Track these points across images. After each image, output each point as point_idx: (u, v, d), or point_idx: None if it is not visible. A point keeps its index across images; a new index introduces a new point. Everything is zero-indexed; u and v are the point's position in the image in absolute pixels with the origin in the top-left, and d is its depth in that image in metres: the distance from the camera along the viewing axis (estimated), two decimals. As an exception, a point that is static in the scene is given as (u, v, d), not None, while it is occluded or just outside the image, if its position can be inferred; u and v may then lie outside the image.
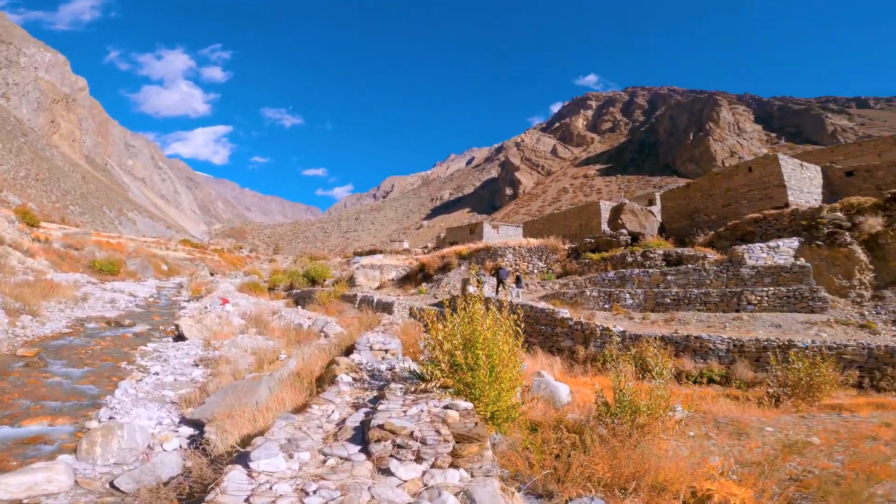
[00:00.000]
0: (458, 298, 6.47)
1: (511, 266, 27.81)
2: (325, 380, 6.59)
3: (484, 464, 3.63)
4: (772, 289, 18.02)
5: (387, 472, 3.38)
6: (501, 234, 42.65)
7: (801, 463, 4.97)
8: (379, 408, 4.62)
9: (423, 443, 3.73)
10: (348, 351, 8.61)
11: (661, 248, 24.24)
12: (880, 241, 19.36)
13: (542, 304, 18.00)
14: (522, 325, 6.14)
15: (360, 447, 3.90)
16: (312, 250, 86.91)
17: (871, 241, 19.62)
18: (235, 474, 3.25)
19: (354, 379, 6.29)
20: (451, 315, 5.86)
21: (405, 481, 3.26)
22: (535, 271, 27.83)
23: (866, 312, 17.74)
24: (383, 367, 7.17)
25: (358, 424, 4.52)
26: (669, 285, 20.38)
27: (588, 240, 27.50)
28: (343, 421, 4.71)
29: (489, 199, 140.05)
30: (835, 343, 12.78)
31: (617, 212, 28.56)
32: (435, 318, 5.91)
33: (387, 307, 21.74)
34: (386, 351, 8.37)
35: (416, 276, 31.73)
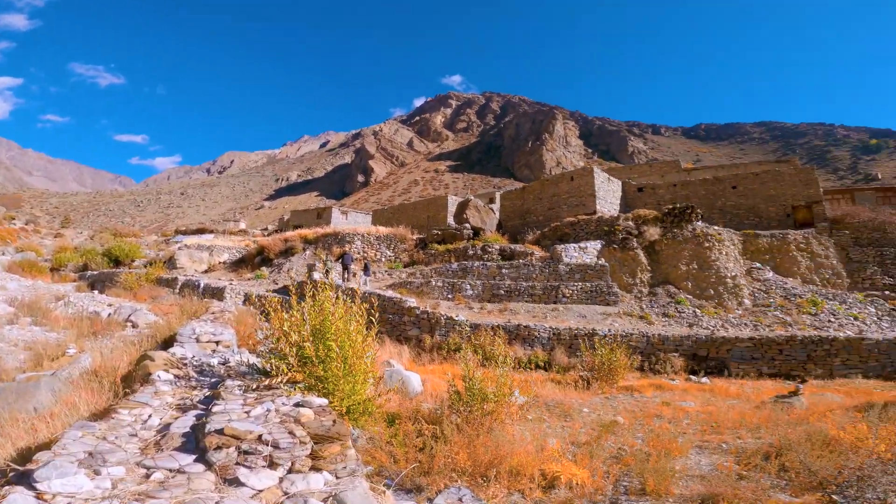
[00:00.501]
0: (305, 285, 5.93)
1: (359, 253, 27.37)
2: (135, 379, 5.42)
3: (348, 463, 3.38)
4: (580, 284, 21.20)
5: (235, 482, 2.89)
6: (350, 220, 41.68)
7: (615, 441, 5.92)
8: (214, 409, 3.95)
9: (276, 447, 3.29)
10: (167, 344, 7.29)
11: (498, 243, 26.55)
12: (657, 247, 24.34)
13: (390, 293, 18.06)
14: (376, 315, 5.93)
15: (194, 456, 3.26)
16: (118, 226, 72.47)
17: (650, 247, 24.52)
18: (17, 498, 2.39)
19: (177, 376, 5.29)
20: (298, 303, 5.38)
21: (260, 491, 2.83)
22: (384, 259, 27.88)
23: (644, 306, 22.07)
24: (214, 361, 6.23)
25: (188, 430, 3.80)
26: (504, 278, 22.42)
27: (435, 231, 28.61)
28: (166, 427, 3.92)
29: (340, 184, 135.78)
30: (624, 332, 15.57)
31: (463, 207, 30.30)
32: (279, 306, 5.37)
33: (217, 293, 19.31)
34: (217, 343, 7.32)
35: (254, 260, 28.98)
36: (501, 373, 6.20)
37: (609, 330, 15.49)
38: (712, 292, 22.64)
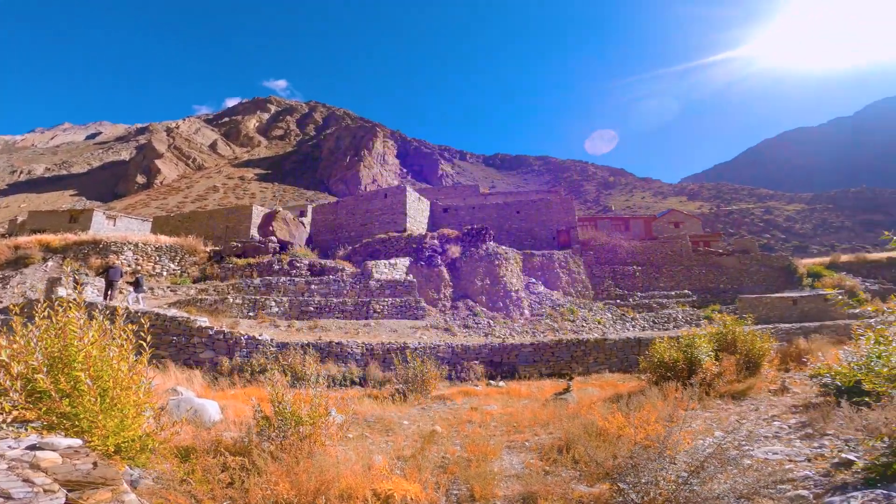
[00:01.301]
0: (37, 304, 4.71)
1: (130, 266, 22.46)
2: None
3: None
4: (391, 299, 21.67)
5: None
6: (121, 227, 34.10)
7: (437, 451, 6.02)
8: None
9: (8, 497, 2.45)
10: None
11: (308, 258, 25.23)
12: (458, 264, 26.64)
13: (173, 312, 15.19)
14: (148, 338, 4.90)
15: None
16: None
17: (452, 264, 26.69)
18: None
19: None
20: (26, 326, 4.37)
21: None
22: (165, 274, 23.49)
23: (448, 319, 23.76)
24: None
25: None
26: (313, 294, 21.32)
27: (235, 244, 25.57)
28: None
29: (111, 184, 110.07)
30: (433, 344, 16.39)
31: (270, 218, 27.94)
32: (-11, 332, 4.12)
33: None
34: None
35: (-45, 273, 20.96)
36: (315, 393, 5.79)
37: (419, 343, 16.08)
38: (501, 305, 25.85)
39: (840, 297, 25.35)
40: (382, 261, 24.87)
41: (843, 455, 4.96)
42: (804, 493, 4.13)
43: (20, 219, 43.81)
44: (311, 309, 19.75)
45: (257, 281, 21.37)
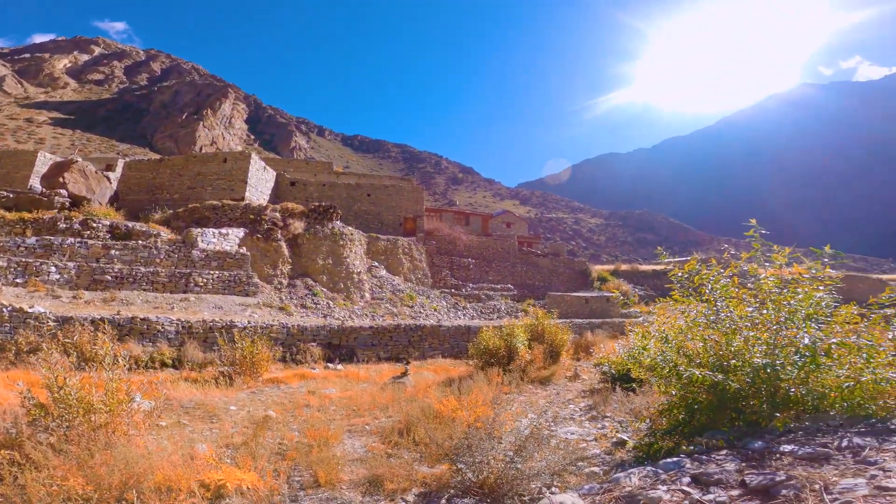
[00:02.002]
0: None
1: None
2: None
3: None
4: (217, 272, 19.36)
5: None
6: None
7: (273, 437, 5.51)
8: None
9: None
10: None
11: (109, 218, 20.92)
12: (300, 241, 25.14)
13: None
14: None
15: None
16: None
17: (293, 240, 25.09)
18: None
19: None
20: None
21: None
22: None
23: (284, 297, 22.29)
24: None
25: None
26: (113, 261, 17.76)
27: (5, 194, 19.67)
28: None
29: None
30: (265, 323, 15.15)
31: (61, 168, 22.22)
32: None
33: None
34: None
35: None
36: (111, 376, 4.85)
37: (249, 322, 14.70)
38: (342, 286, 25.29)
39: (620, 298, 31.45)
40: (212, 229, 21.99)
41: (619, 435, 5.96)
42: (596, 469, 4.83)
43: None
44: (109, 278, 16.41)
45: (32, 240, 16.84)
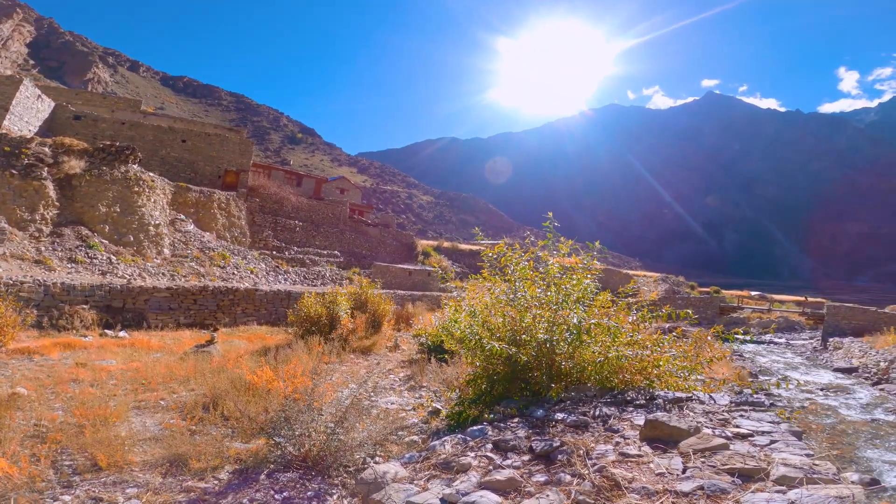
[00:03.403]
0: None
1: None
2: None
3: None
4: (-63, 208, 14.34)
5: None
6: None
7: (26, 418, 4.30)
8: None
9: None
10: None
11: None
12: (75, 182, 20.15)
13: None
14: None
15: None
16: None
17: (66, 181, 20.00)
18: None
19: None
20: None
21: None
22: None
23: (43, 248, 17.73)
24: None
25: None
26: None
27: None
28: None
29: None
30: (11, 280, 11.84)
31: None
32: None
33: None
34: None
35: None
36: None
37: (-13, 276, 11.29)
38: (132, 239, 21.31)
39: (439, 273, 33.86)
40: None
41: (434, 405, 6.43)
42: (416, 438, 5.16)
43: None
44: None
45: None
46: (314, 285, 26.71)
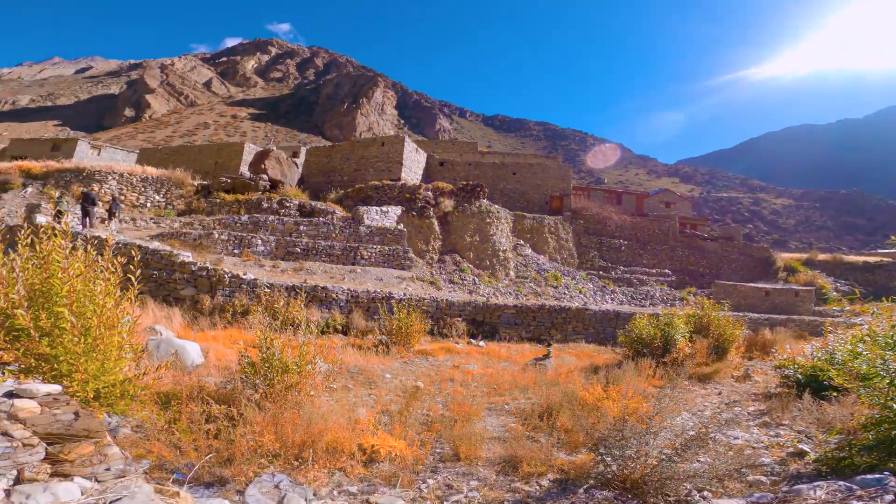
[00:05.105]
0: (19, 229, 4.34)
1: (113, 195, 21.81)
2: None
3: (112, 464, 2.60)
4: (379, 247, 21.57)
5: None
6: (106, 157, 33.20)
7: (421, 407, 6.12)
8: None
9: None
10: None
11: (298, 198, 24.77)
12: (449, 218, 26.51)
13: (156, 244, 14.89)
14: (139, 272, 4.63)
15: None
16: None
17: (443, 218, 26.56)
18: None
19: None
20: (7, 254, 3.93)
21: None
22: (149, 205, 22.88)
23: (434, 272, 23.89)
24: None
25: None
26: (301, 235, 21.08)
27: (224, 179, 24.87)
28: None
29: (97, 116, 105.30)
30: (418, 296, 16.48)
31: (262, 156, 27.10)
32: (-33, 259, 3.75)
33: None
34: None
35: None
36: (304, 340, 5.58)
37: (404, 294, 16.15)
38: (488, 263, 26.02)
39: (812, 292, 26.18)
40: (374, 207, 24.55)
41: (800, 446, 5.23)
42: (762, 478, 4.36)
43: (0, 146, 42.18)
44: (298, 250, 19.58)
45: (244, 217, 20.97)
46: (642, 305, 25.52)
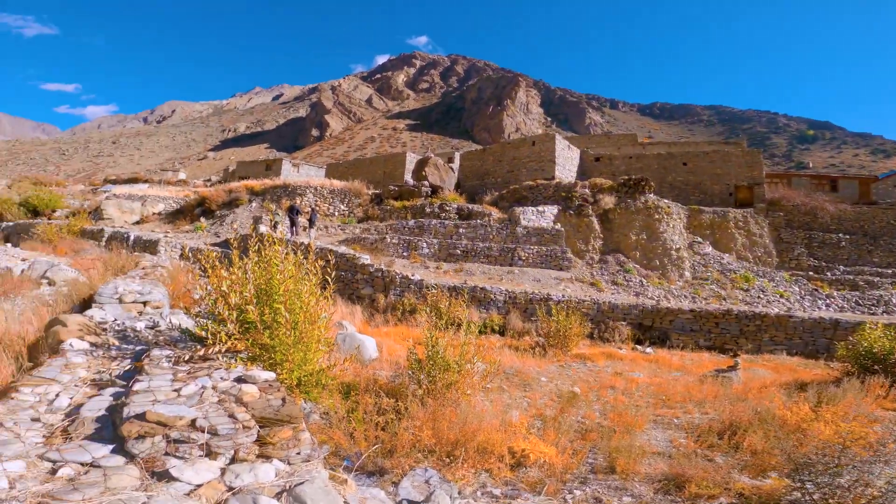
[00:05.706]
0: (249, 238, 5.28)
1: (310, 207, 26.16)
2: (42, 349, 4.61)
3: (302, 449, 2.89)
4: (536, 247, 21.32)
5: (166, 476, 2.38)
6: (302, 173, 40.06)
7: (576, 414, 5.87)
8: (136, 387, 3.34)
9: (214, 433, 2.77)
10: (86, 305, 6.37)
11: (456, 202, 26.10)
12: (610, 216, 24.81)
13: (343, 248, 17.32)
14: (333, 273, 5.36)
15: (112, 446, 2.69)
16: (39, 175, 64.67)
17: (604, 215, 24.96)
18: None
19: (94, 345, 4.53)
20: (241, 259, 4.70)
21: (198, 486, 2.32)
22: (336, 214, 26.80)
23: (595, 273, 22.63)
24: (141, 325, 5.44)
25: (103, 413, 3.20)
26: (461, 237, 22.15)
27: (392, 187, 27.68)
28: (77, 408, 3.30)
29: (292, 137, 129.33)
30: (577, 298, 15.79)
31: (422, 164, 29.39)
32: (217, 262, 4.62)
33: (149, 246, 17.77)
34: (145, 304, 6.39)
35: (193, 211, 27.02)
36: (465, 339, 5.66)
37: (563, 295, 15.67)
38: (658, 263, 23.55)
39: None
40: (530, 207, 24.42)
41: None
42: None
43: (230, 168, 54.27)
44: (458, 252, 20.61)
45: (411, 222, 22.95)
46: (872, 313, 20.04)
